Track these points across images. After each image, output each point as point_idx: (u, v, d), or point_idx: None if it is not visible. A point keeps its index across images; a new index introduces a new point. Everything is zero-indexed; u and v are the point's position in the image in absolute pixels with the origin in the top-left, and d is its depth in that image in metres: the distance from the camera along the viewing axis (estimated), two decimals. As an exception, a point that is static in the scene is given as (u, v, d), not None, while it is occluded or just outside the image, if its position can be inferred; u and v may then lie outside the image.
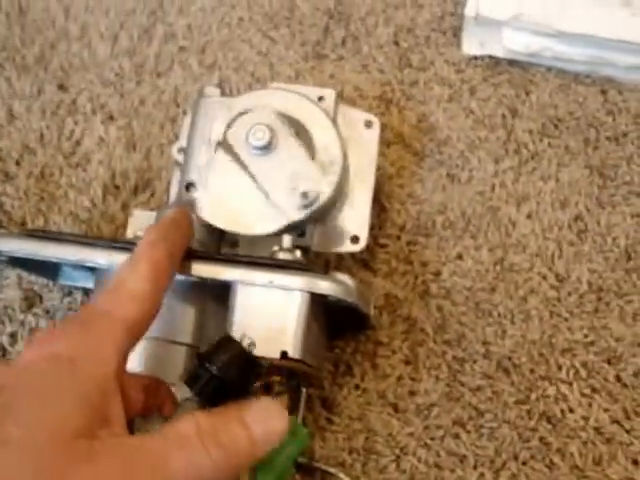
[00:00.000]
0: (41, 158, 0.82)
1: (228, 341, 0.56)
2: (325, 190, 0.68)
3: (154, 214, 0.70)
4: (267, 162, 0.67)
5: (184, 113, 0.83)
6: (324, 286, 0.62)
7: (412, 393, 0.72)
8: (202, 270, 0.61)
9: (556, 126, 0.81)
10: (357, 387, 0.73)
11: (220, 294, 0.62)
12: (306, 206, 0.67)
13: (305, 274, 0.62)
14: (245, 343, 0.56)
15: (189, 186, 0.70)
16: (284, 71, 0.85)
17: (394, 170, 0.80)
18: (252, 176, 0.67)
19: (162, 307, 0.52)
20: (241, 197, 0.67)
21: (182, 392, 0.55)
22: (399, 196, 0.79)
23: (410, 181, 0.80)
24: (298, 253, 0.66)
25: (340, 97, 0.82)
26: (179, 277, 0.59)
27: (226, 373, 0.54)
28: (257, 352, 0.60)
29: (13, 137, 0.83)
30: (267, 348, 0.60)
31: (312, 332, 0.63)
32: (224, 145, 0.67)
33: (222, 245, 0.71)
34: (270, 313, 0.61)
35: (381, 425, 0.72)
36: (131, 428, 0.48)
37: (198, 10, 0.89)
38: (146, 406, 0.54)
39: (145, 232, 0.56)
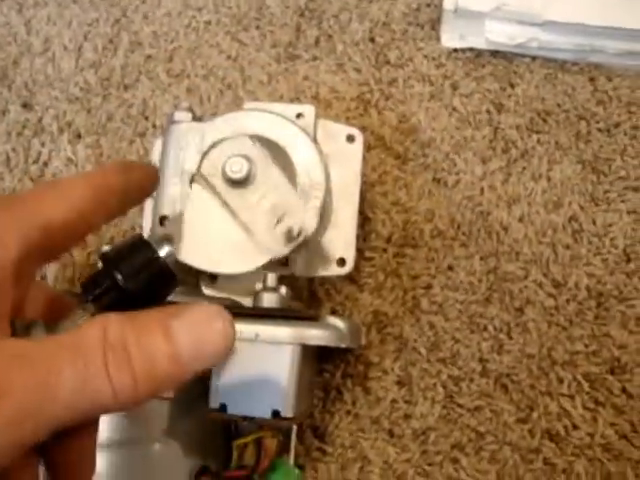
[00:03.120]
0: (9, 183, 0.72)
1: (141, 245, 0.40)
2: (309, 220, 0.58)
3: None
4: (246, 194, 0.56)
5: (154, 127, 0.73)
6: (315, 336, 0.55)
7: (407, 417, 0.63)
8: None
9: (545, 120, 0.70)
10: (349, 413, 0.64)
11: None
12: (291, 240, 0.56)
13: (294, 324, 0.53)
14: (164, 252, 0.40)
15: (162, 220, 0.60)
16: (256, 75, 0.74)
17: (376, 176, 0.70)
18: (231, 210, 0.56)
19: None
20: (220, 233, 0.57)
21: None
22: (383, 205, 0.69)
23: (394, 188, 0.69)
24: (283, 290, 0.57)
25: (316, 100, 0.72)
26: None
27: (131, 283, 0.38)
28: (243, 412, 0.51)
29: (-21, 162, 0.73)
30: (256, 407, 0.52)
31: (303, 380, 0.54)
32: (199, 177, 0.57)
33: (200, 278, 0.61)
34: (257, 369, 0.53)
35: (376, 453, 0.63)
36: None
37: (163, 16, 0.78)
38: (41, 314, 0.39)
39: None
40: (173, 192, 0.60)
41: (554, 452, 0.62)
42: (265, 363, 0.52)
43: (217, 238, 0.57)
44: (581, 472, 0.61)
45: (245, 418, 0.53)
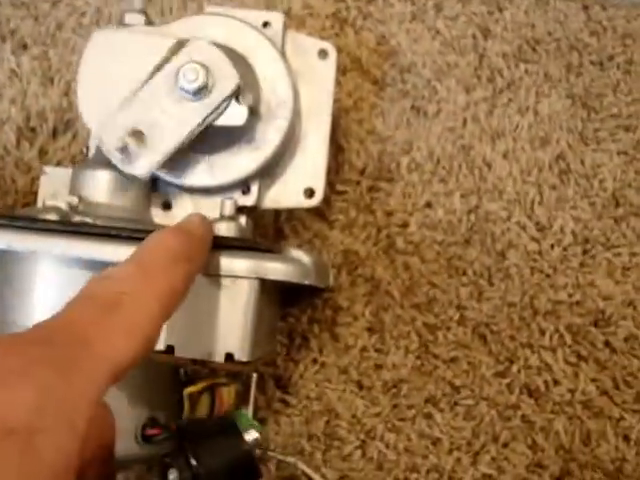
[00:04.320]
0: (-56, 95, 0.54)
1: (230, 432, 0.33)
2: (273, 138, 0.42)
3: (69, 172, 0.44)
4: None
5: (107, 38, 0.54)
6: (276, 270, 0.39)
7: (378, 367, 0.49)
8: (115, 252, 0.35)
9: (534, 49, 0.55)
10: (315, 362, 0.50)
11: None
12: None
13: (252, 255, 0.38)
14: (250, 436, 0.32)
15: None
16: (223, -14, 0.56)
17: (351, 102, 0.54)
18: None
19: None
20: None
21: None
22: (357, 133, 0.53)
23: (370, 115, 0.53)
24: (243, 220, 0.42)
25: (287, 17, 0.54)
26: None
27: (207, 472, 0.30)
28: (193, 355, 0.36)
29: None
30: (207, 349, 0.38)
31: (263, 321, 0.39)
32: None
33: (152, 207, 0.45)
34: (210, 306, 0.38)
35: (343, 406, 0.49)
36: None
37: None
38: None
39: (165, 236, 0.33)
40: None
41: (533, 409, 0.49)
42: (219, 299, 0.38)
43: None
44: (560, 430, 0.48)
45: (195, 362, 0.39)
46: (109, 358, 0.26)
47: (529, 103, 0.54)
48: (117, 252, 0.35)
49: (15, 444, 0.21)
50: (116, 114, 0.39)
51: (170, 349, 0.36)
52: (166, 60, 0.40)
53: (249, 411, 0.45)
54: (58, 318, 0.27)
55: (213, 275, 0.37)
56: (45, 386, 0.23)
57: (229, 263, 0.38)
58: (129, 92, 0.39)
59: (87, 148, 0.46)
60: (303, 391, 0.49)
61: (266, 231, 0.51)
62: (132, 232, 0.37)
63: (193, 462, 0.30)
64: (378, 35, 0.55)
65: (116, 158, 0.39)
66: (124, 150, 0.39)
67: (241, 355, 0.38)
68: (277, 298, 0.46)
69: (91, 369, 0.25)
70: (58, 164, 0.52)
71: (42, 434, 0.22)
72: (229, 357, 0.38)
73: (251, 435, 0.32)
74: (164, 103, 0.39)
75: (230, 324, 0.38)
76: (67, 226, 0.36)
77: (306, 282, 0.41)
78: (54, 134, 0.53)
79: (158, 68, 0.40)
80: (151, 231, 0.35)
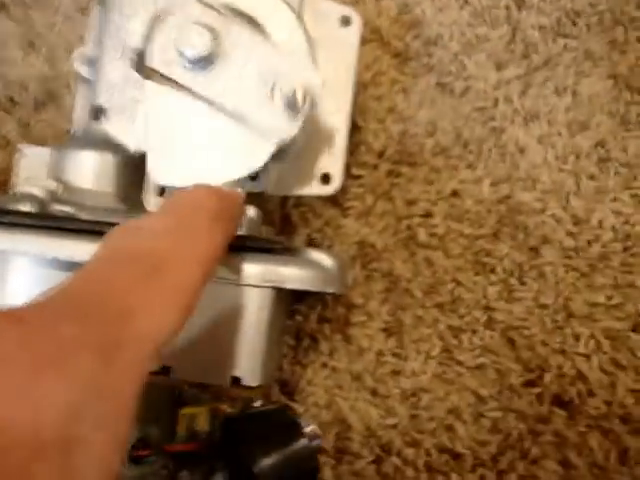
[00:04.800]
0: None
1: (287, 425, 0.28)
2: (313, 77, 0.36)
3: (49, 151, 0.37)
4: (218, 74, 0.34)
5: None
6: (293, 277, 0.33)
7: (395, 374, 0.44)
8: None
9: (574, 22, 0.48)
10: (325, 366, 0.44)
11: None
12: (297, 109, 0.35)
13: (265, 259, 0.31)
14: (309, 429, 0.28)
15: (97, 112, 0.37)
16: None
17: (369, 77, 0.47)
18: (205, 100, 0.34)
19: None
20: (202, 135, 0.34)
21: None
22: (376, 111, 0.47)
23: (390, 92, 0.47)
24: (253, 212, 0.35)
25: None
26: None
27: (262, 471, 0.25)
28: (193, 377, 0.30)
29: None
30: (210, 372, 0.32)
31: (274, 334, 0.33)
32: (144, 57, 0.34)
33: (145, 195, 0.39)
34: (213, 320, 0.32)
35: (356, 416, 0.43)
36: None
37: None
38: None
39: (200, 192, 0.27)
40: (112, 75, 0.37)
41: (565, 422, 0.43)
42: (224, 312, 0.32)
43: (201, 142, 0.35)
44: (595, 446, 0.43)
45: (195, 385, 0.32)
46: (152, 336, 0.21)
47: (567, 83, 0.47)
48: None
49: (50, 466, 0.16)
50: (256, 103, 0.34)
51: (166, 370, 0.30)
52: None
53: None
54: (90, 279, 0.21)
55: (217, 282, 0.31)
56: (84, 379, 0.18)
57: (237, 268, 0.31)
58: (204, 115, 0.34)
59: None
60: (311, 398, 0.43)
61: (271, 218, 0.45)
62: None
63: (247, 462, 0.25)
64: (400, 3, 0.49)
65: (308, 109, 0.34)
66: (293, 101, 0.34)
67: (250, 379, 0.32)
68: (288, 301, 0.40)
69: (134, 354, 0.20)
70: (41, 140, 0.46)
71: (81, 446, 0.17)
72: (236, 381, 0.32)
73: (309, 428, 0.26)
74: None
75: (237, 342, 0.32)
76: (42, 220, 0.29)
77: (329, 290, 0.35)
78: (36, 106, 0.47)
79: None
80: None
